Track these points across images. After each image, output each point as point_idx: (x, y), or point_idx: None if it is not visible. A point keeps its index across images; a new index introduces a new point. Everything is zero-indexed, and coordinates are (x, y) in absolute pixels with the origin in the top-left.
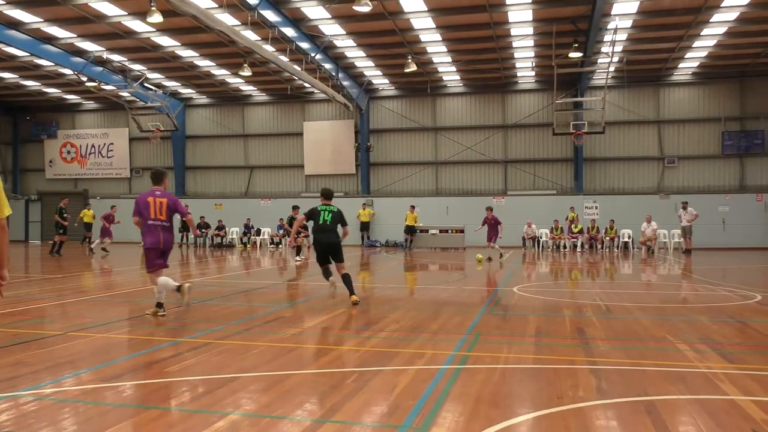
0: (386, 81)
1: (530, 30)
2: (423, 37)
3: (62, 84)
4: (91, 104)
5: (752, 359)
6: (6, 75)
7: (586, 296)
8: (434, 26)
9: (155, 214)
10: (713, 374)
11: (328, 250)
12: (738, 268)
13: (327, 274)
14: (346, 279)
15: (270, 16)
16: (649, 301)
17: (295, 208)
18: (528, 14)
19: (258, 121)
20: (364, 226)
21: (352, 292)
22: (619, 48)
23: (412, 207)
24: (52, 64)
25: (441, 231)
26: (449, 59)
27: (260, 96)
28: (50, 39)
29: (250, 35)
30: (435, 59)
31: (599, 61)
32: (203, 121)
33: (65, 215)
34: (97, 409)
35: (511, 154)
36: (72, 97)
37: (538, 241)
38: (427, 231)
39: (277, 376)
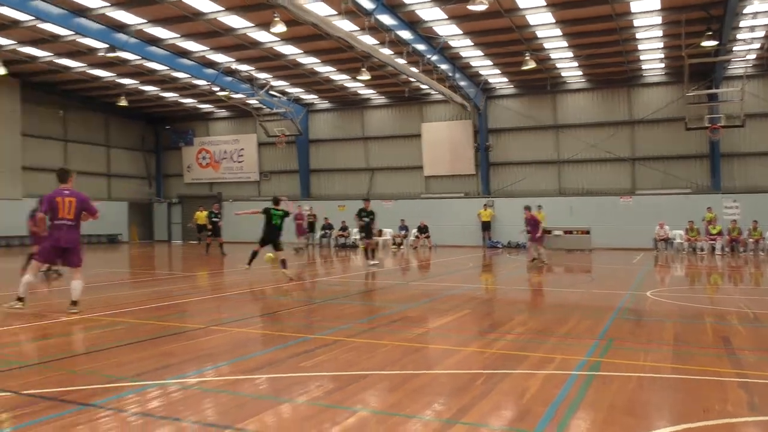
0: (504, 79)
1: (657, 19)
2: (541, 33)
3: (196, 94)
4: (222, 112)
5: None
6: (148, 88)
7: (730, 302)
8: (553, 21)
9: (64, 214)
10: None
11: (273, 241)
12: None
13: (253, 257)
14: (284, 262)
15: (386, 20)
16: None
17: (367, 200)
18: (655, 3)
19: (377, 124)
20: (486, 227)
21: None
22: (759, 33)
23: (539, 207)
24: (188, 76)
25: (565, 232)
26: (570, 54)
27: (379, 99)
28: (185, 53)
29: (368, 40)
30: (554, 55)
31: (736, 48)
32: (325, 125)
33: (214, 219)
34: (236, 400)
35: (639, 151)
36: (205, 106)
37: (672, 243)
38: (550, 232)
39: (404, 375)
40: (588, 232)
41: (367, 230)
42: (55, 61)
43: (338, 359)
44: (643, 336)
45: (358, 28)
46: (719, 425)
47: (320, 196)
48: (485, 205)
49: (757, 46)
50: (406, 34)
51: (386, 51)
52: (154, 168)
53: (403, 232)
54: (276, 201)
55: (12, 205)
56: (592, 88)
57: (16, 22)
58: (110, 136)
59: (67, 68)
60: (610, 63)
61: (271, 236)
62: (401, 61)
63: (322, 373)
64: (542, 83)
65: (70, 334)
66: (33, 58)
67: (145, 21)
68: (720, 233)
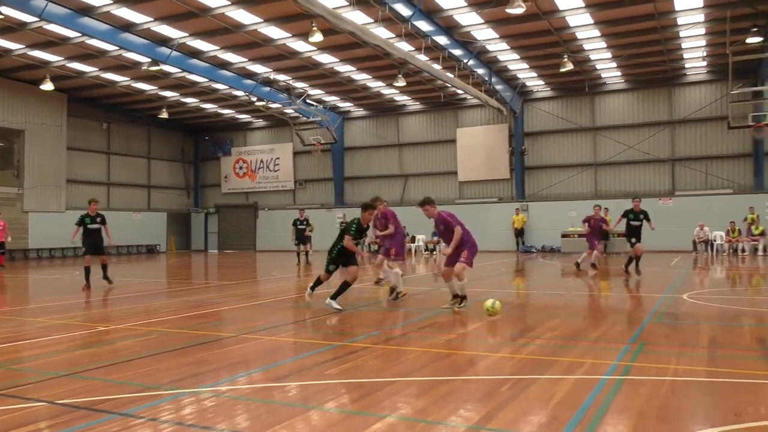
0: (541, 82)
1: (700, 17)
2: (580, 35)
3: (235, 105)
4: (260, 122)
5: None
6: (189, 100)
7: None
8: (592, 22)
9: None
10: None
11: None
12: None
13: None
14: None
15: (423, 26)
16: None
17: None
18: (698, 0)
19: (412, 130)
20: (519, 232)
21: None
22: None
23: (605, 209)
24: (227, 87)
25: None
26: (609, 55)
27: (414, 105)
28: (225, 64)
29: (404, 46)
30: (593, 56)
31: None
32: (360, 132)
33: (299, 226)
34: (267, 407)
35: (679, 151)
36: (243, 117)
37: (712, 245)
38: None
39: (431, 381)
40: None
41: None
42: (101, 75)
43: (366, 366)
44: (678, 339)
45: (395, 35)
46: (751, 428)
47: (354, 203)
48: (517, 209)
49: None
50: (442, 40)
51: (422, 57)
52: (193, 178)
53: (435, 238)
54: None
55: (56, 217)
56: (632, 88)
57: (64, 39)
58: (151, 147)
59: (112, 82)
60: (651, 63)
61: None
62: (437, 66)
63: (349, 381)
64: (580, 85)
65: (104, 343)
66: (80, 74)
67: (188, 34)
68: (762, 234)
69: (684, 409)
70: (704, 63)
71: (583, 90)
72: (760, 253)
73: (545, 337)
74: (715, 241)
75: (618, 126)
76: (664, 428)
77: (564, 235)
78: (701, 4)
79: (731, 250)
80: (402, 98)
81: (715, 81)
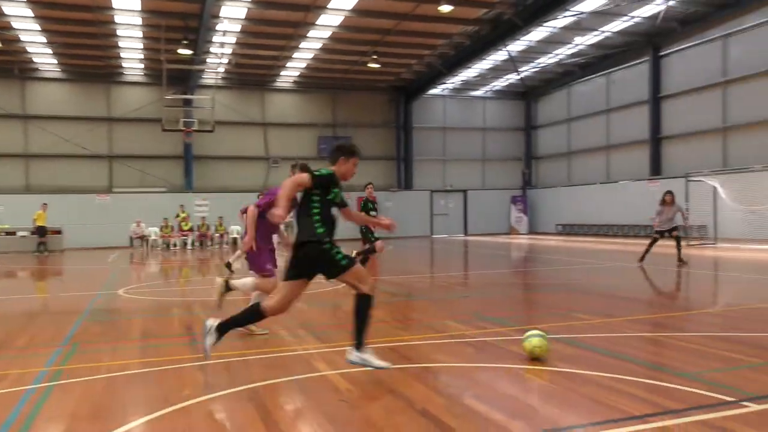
0: None
1: (138, 20)
2: (7, 10)
3: None
4: None
5: (339, 337)
6: None
7: (196, 293)
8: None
9: None
10: (309, 355)
11: None
12: None
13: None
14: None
15: None
16: None
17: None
18: (135, 3)
19: None
20: None
21: None
22: (228, 50)
23: (45, 205)
24: None
25: (33, 232)
26: (43, 39)
27: None
28: None
29: None
30: (24, 37)
31: (209, 60)
32: None
33: None
34: None
35: (117, 148)
36: None
37: (147, 240)
38: (15, 233)
39: None
40: (60, 232)
41: None
42: None
43: None
44: (112, 335)
45: None
46: (178, 409)
47: None
48: None
49: (226, 60)
50: None
51: None
52: None
53: None
54: None
55: None
56: (69, 79)
57: None
58: None
59: None
60: (89, 56)
61: None
62: None
63: None
64: (9, 66)
65: None
66: None
67: None
68: (191, 229)
69: (118, 403)
70: (141, 65)
71: (12, 72)
72: (189, 247)
73: None
74: (150, 236)
75: (53, 117)
76: (97, 426)
77: None
78: (139, 8)
79: (164, 245)
80: None
81: (152, 84)
